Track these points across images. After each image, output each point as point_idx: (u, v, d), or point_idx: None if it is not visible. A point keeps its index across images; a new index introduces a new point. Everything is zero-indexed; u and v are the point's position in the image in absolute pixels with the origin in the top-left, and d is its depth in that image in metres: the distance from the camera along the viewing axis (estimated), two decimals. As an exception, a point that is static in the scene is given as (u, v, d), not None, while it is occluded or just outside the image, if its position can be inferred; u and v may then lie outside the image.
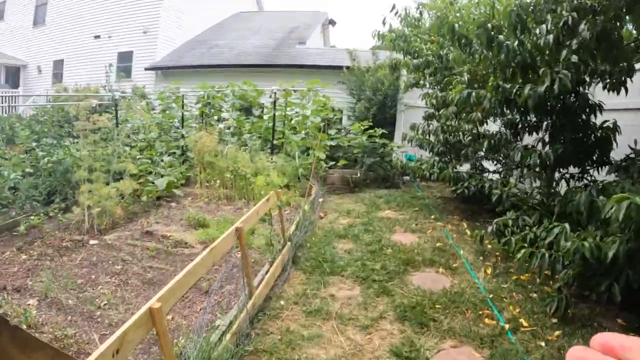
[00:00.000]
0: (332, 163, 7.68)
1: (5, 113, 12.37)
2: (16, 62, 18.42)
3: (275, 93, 7.58)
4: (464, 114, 5.29)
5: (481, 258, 4.43)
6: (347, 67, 10.29)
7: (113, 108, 6.85)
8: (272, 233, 4.15)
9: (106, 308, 3.39)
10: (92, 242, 4.84)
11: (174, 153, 7.55)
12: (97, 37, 16.05)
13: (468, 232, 5.21)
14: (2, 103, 13.96)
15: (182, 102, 8.12)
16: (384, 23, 6.37)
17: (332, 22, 18.26)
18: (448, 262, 4.30)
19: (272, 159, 6.97)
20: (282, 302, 3.46)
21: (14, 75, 18.55)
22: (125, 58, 15.74)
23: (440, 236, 5.12)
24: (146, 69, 14.75)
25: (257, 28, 16.63)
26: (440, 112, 6.07)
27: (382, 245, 4.77)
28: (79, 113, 5.63)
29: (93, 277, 3.96)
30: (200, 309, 3.36)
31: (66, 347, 2.85)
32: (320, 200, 6.60)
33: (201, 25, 17.10)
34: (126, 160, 5.82)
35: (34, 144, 7.08)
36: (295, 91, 8.22)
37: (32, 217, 5.33)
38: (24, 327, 3.15)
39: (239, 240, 3.01)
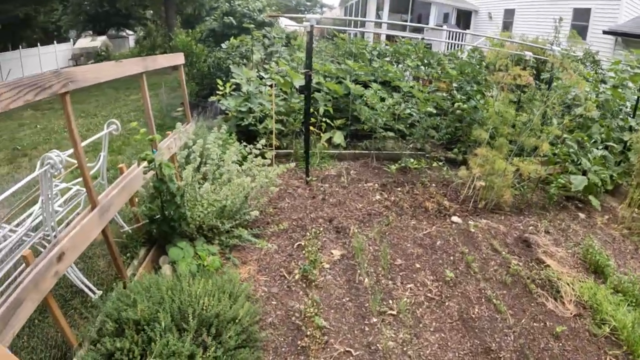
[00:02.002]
0: None
1: (453, 49, 13.19)
2: (468, 7, 20.20)
3: None
4: None
5: None
6: None
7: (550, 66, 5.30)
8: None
9: (385, 323, 2.66)
10: (454, 218, 4.15)
11: (612, 147, 5.48)
12: (553, -12, 14.59)
13: None
14: (452, 40, 15.60)
15: (643, 80, 5.26)
16: None
17: None
18: None
19: None
20: None
21: (465, 19, 20.36)
22: (580, 16, 13.65)
23: None
24: (604, 32, 12.33)
25: None
26: None
27: None
28: (495, 62, 4.54)
29: (417, 266, 3.40)
30: None
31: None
32: None
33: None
34: (543, 135, 4.43)
35: (454, 85, 6.80)
36: None
37: (411, 160, 5.31)
38: (297, 277, 2.98)
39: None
